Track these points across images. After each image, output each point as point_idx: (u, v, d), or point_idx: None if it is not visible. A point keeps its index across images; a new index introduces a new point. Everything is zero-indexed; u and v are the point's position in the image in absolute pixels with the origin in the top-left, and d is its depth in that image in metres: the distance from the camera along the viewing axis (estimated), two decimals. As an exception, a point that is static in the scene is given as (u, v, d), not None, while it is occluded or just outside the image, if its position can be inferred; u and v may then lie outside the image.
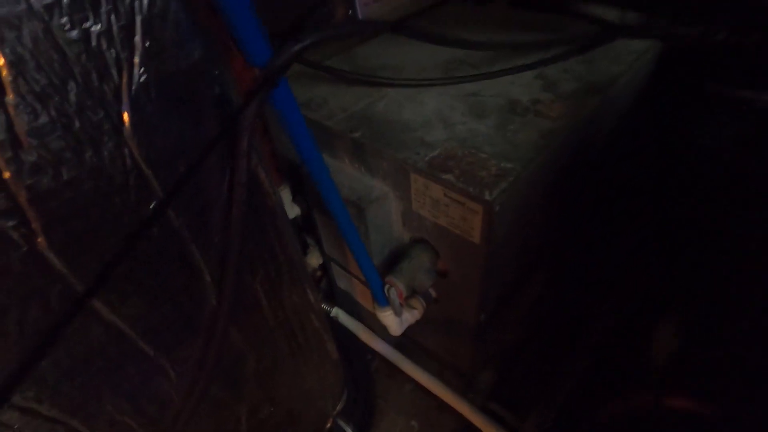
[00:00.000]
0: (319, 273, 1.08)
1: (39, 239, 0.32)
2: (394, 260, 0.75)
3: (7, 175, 0.29)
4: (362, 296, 0.95)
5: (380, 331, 1.03)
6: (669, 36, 0.90)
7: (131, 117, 0.34)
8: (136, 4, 0.31)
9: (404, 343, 1.01)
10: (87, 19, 0.29)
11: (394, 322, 0.75)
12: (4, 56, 0.27)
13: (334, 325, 1.04)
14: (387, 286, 0.70)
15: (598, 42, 0.87)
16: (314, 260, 1.01)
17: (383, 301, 0.73)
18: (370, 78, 0.84)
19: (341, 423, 0.87)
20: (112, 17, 0.30)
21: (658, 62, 0.93)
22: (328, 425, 0.87)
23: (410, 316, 0.78)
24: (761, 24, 0.83)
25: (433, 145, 0.67)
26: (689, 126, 1.01)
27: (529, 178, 0.63)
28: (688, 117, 1.00)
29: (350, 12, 0.93)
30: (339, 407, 0.89)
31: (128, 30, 0.31)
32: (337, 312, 1.04)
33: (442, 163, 0.64)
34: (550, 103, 0.74)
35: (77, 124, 0.31)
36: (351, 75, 0.85)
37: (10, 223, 0.31)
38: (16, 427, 0.37)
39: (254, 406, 0.65)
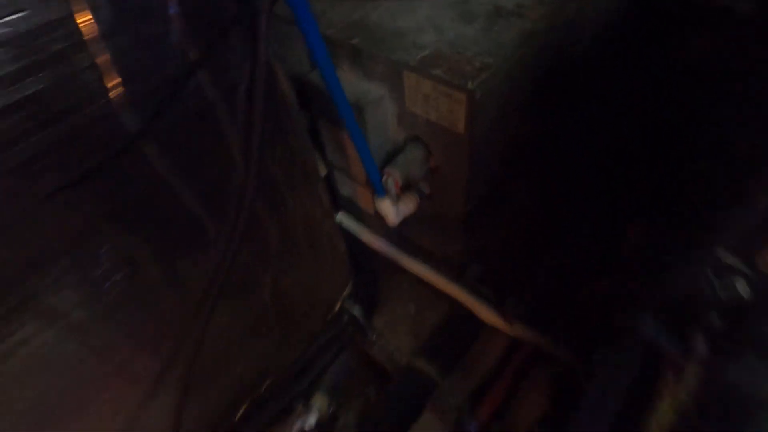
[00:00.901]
0: (323, 184, 1.18)
1: (111, 94, 0.42)
2: (391, 157, 0.85)
3: (87, 36, 0.38)
4: (363, 199, 1.05)
5: (380, 232, 1.16)
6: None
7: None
8: None
9: (402, 243, 1.13)
10: None
11: (391, 211, 0.86)
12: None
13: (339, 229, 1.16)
14: (385, 177, 0.80)
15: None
16: (320, 170, 1.11)
17: (381, 191, 0.84)
18: (366, -11, 0.89)
19: (349, 305, 1.01)
20: None
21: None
22: (338, 307, 1.01)
23: (406, 208, 0.89)
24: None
25: (425, 46, 0.75)
26: (670, 35, 1.07)
27: (509, 72, 0.71)
28: (671, 26, 1.05)
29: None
30: (346, 292, 1.02)
31: None
32: (341, 217, 1.16)
33: (432, 61, 0.72)
34: (533, 7, 0.80)
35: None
36: (348, -13, 0.90)
37: (91, 78, 0.40)
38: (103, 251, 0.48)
39: (275, 277, 0.78)
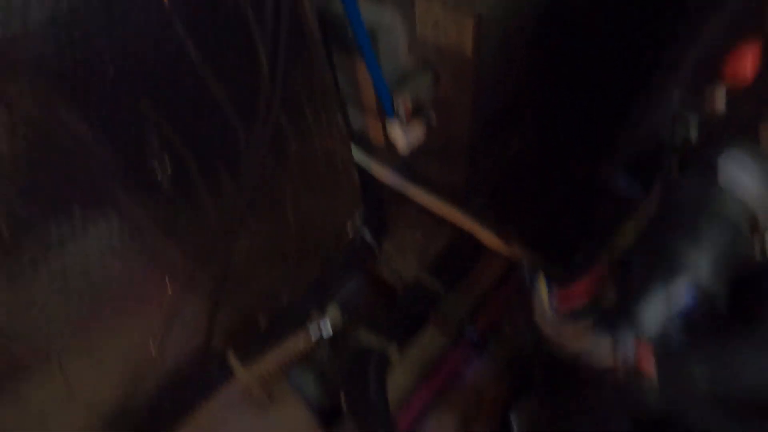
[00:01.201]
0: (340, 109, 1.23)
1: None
2: (400, 83, 0.90)
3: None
4: (373, 131, 1.11)
5: (389, 164, 1.22)
6: None
7: None
8: None
9: (409, 175, 1.20)
10: None
11: (401, 136, 0.92)
12: None
13: (350, 162, 1.22)
14: (395, 98, 0.86)
15: None
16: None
17: (392, 112, 0.89)
18: None
19: (360, 229, 1.09)
20: None
21: None
22: (350, 231, 1.09)
23: (414, 135, 0.95)
24: None
25: (435, -28, 0.79)
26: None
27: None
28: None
29: None
30: (358, 218, 1.10)
31: None
32: (353, 151, 1.22)
33: (443, -15, 0.76)
34: (540, -65, 0.83)
35: None
36: None
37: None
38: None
39: (296, 195, 0.85)
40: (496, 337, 1.00)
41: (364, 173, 1.20)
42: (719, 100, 0.37)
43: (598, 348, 0.35)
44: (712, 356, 0.35)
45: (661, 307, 0.35)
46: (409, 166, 1.18)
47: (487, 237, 1.05)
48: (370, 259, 1.12)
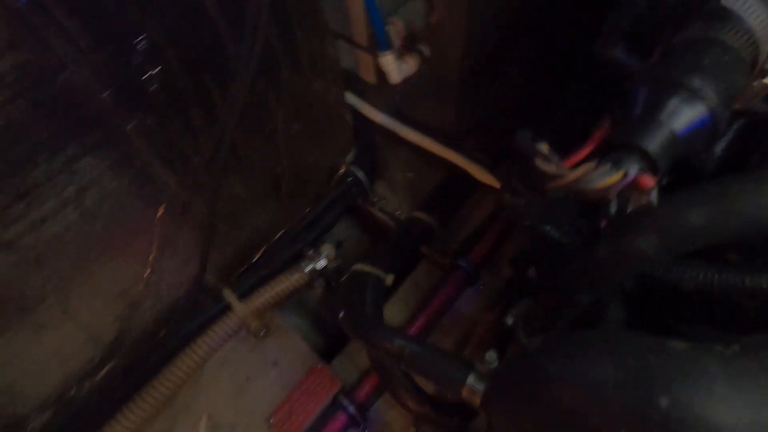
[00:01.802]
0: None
1: None
2: (394, 10, 0.88)
3: None
4: (364, 68, 1.09)
5: (381, 106, 1.21)
6: None
7: None
8: None
9: (401, 117, 1.19)
10: None
11: (393, 66, 0.91)
12: None
13: (341, 104, 1.20)
14: (388, 26, 0.84)
15: None
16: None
17: (385, 44, 0.88)
18: None
19: (353, 168, 1.09)
20: None
21: None
22: (342, 169, 1.09)
23: (407, 67, 0.94)
24: None
25: None
26: None
27: None
28: None
29: None
30: (350, 157, 1.10)
31: None
32: (345, 93, 1.20)
33: None
34: None
35: None
36: None
37: None
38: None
39: (287, 117, 0.83)
40: (487, 269, 1.01)
41: (356, 114, 1.18)
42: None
43: (599, 172, 0.35)
44: (713, 193, 0.36)
45: (664, 135, 0.35)
46: (401, 106, 1.17)
47: (479, 173, 1.06)
48: (363, 199, 1.11)
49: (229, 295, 0.92)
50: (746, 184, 0.36)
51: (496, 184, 1.05)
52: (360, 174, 1.09)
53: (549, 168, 0.37)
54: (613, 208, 0.37)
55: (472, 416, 0.75)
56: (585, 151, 0.40)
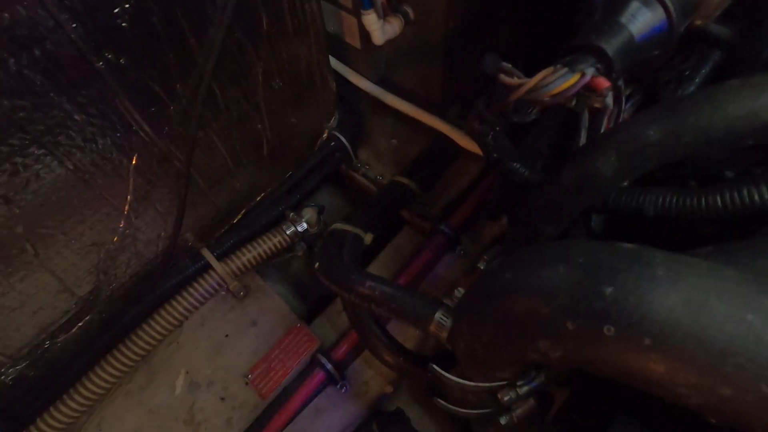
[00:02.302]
0: None
1: None
2: (376, -32, 0.88)
3: None
4: (349, 31, 1.09)
5: (365, 72, 1.20)
6: None
7: None
8: None
9: (386, 85, 1.19)
10: None
11: (376, 26, 0.91)
12: None
13: (326, 72, 1.20)
14: (371, -18, 0.84)
15: None
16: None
17: (368, 3, 0.87)
18: None
19: (336, 133, 1.08)
20: None
21: None
22: (325, 134, 1.08)
23: (391, 28, 0.94)
24: None
25: None
26: None
27: None
28: None
29: None
30: (333, 122, 1.09)
31: None
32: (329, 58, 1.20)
33: None
34: None
35: None
36: None
37: None
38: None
39: (267, 71, 0.83)
40: (468, 234, 1.02)
41: (340, 80, 1.18)
42: None
43: (557, 76, 0.35)
44: (668, 109, 0.36)
45: (623, 37, 0.35)
46: (385, 74, 1.17)
47: (462, 140, 1.06)
48: (346, 165, 1.11)
49: (208, 255, 0.92)
50: (699, 99, 0.36)
51: (479, 151, 1.06)
52: (343, 139, 1.08)
53: (511, 81, 0.37)
54: (584, 123, 0.37)
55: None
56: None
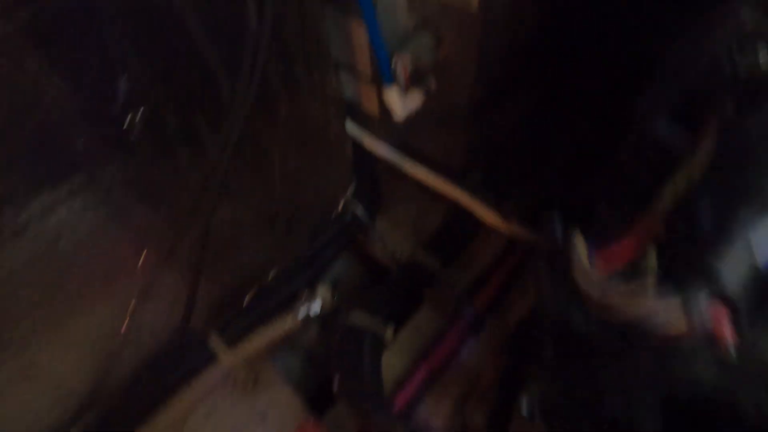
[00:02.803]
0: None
1: None
2: (400, 45, 0.84)
3: None
4: (367, 100, 1.05)
5: (384, 138, 1.16)
6: None
7: None
8: None
9: (404, 150, 1.14)
10: None
11: (398, 102, 0.86)
12: None
13: (342, 135, 1.16)
14: (394, 61, 0.80)
15: None
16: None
17: (389, 78, 0.83)
18: None
19: (352, 204, 1.03)
20: None
21: None
22: (341, 205, 1.03)
23: (412, 101, 0.89)
24: None
25: None
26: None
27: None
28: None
29: None
30: (350, 192, 1.04)
31: None
32: (346, 123, 1.15)
33: (447, -68, 0.69)
34: None
35: None
36: None
37: None
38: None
39: (283, 155, 0.78)
40: (493, 316, 0.95)
41: (357, 146, 1.13)
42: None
43: (664, 311, 0.29)
44: None
45: (742, 258, 0.29)
46: (404, 139, 1.12)
47: (485, 213, 1.00)
48: (363, 235, 1.06)
49: (216, 343, 0.86)
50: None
51: (502, 225, 1.00)
52: (360, 209, 1.03)
53: (587, 279, 0.31)
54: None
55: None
56: (625, 250, 0.33)
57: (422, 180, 1.09)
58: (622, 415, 0.40)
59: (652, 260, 0.31)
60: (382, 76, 0.84)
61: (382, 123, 1.11)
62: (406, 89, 0.85)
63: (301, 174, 0.88)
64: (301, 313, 0.92)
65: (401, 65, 0.80)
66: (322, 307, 0.94)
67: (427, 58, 0.82)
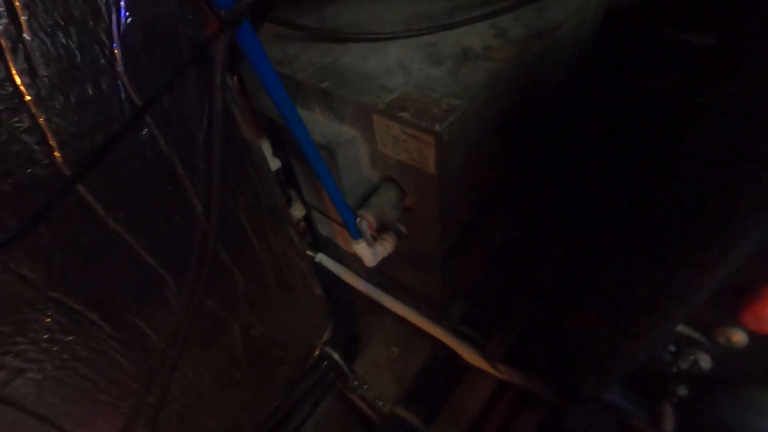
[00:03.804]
0: (303, 224, 1.17)
1: (56, 153, 0.40)
2: (366, 197, 0.84)
3: (27, 98, 0.37)
4: (341, 239, 1.04)
5: (361, 272, 1.13)
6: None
7: (121, 54, 0.41)
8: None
9: (383, 282, 1.11)
10: (81, -30, 0.37)
11: (367, 253, 0.85)
12: (19, 1, 0.35)
13: (319, 269, 1.14)
14: (358, 219, 0.79)
15: (546, -9, 0.94)
16: (297, 212, 1.10)
17: (356, 234, 0.82)
18: (338, 34, 0.91)
19: (328, 350, 0.98)
20: (101, -32, 0.38)
21: (606, 8, 1.00)
22: (317, 352, 0.98)
23: (383, 249, 0.88)
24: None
25: (393, 89, 0.75)
26: (636, 69, 1.09)
27: (477, 112, 0.71)
28: (635, 61, 1.08)
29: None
30: (325, 337, 0.99)
31: (114, -21, 0.39)
32: (321, 257, 1.14)
33: (400, 104, 0.72)
34: (500, 48, 0.81)
35: (79, 58, 0.39)
36: (320, 32, 0.91)
37: (33, 139, 0.39)
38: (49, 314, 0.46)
39: (246, 325, 0.75)
40: (487, 476, 0.86)
41: (334, 281, 1.11)
42: (737, 336, 0.30)
43: None
44: None
45: None
46: (382, 273, 1.10)
47: (469, 355, 0.95)
48: (341, 384, 0.99)
49: None
50: None
51: (488, 368, 0.94)
52: (337, 355, 0.98)
53: None
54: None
55: None
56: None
57: (402, 316, 1.04)
58: None
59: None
60: (349, 231, 0.84)
61: (358, 258, 1.09)
62: (371, 244, 0.84)
63: (268, 333, 0.83)
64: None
65: (365, 224, 0.79)
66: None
67: (393, 210, 0.82)
